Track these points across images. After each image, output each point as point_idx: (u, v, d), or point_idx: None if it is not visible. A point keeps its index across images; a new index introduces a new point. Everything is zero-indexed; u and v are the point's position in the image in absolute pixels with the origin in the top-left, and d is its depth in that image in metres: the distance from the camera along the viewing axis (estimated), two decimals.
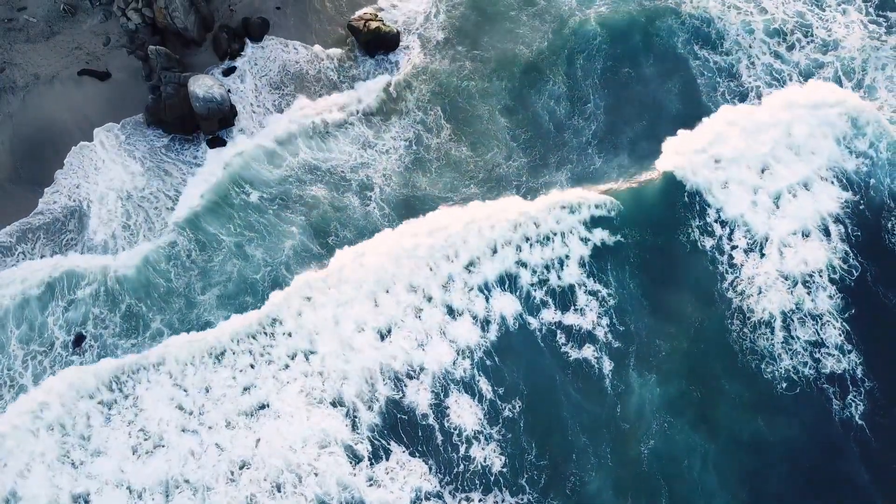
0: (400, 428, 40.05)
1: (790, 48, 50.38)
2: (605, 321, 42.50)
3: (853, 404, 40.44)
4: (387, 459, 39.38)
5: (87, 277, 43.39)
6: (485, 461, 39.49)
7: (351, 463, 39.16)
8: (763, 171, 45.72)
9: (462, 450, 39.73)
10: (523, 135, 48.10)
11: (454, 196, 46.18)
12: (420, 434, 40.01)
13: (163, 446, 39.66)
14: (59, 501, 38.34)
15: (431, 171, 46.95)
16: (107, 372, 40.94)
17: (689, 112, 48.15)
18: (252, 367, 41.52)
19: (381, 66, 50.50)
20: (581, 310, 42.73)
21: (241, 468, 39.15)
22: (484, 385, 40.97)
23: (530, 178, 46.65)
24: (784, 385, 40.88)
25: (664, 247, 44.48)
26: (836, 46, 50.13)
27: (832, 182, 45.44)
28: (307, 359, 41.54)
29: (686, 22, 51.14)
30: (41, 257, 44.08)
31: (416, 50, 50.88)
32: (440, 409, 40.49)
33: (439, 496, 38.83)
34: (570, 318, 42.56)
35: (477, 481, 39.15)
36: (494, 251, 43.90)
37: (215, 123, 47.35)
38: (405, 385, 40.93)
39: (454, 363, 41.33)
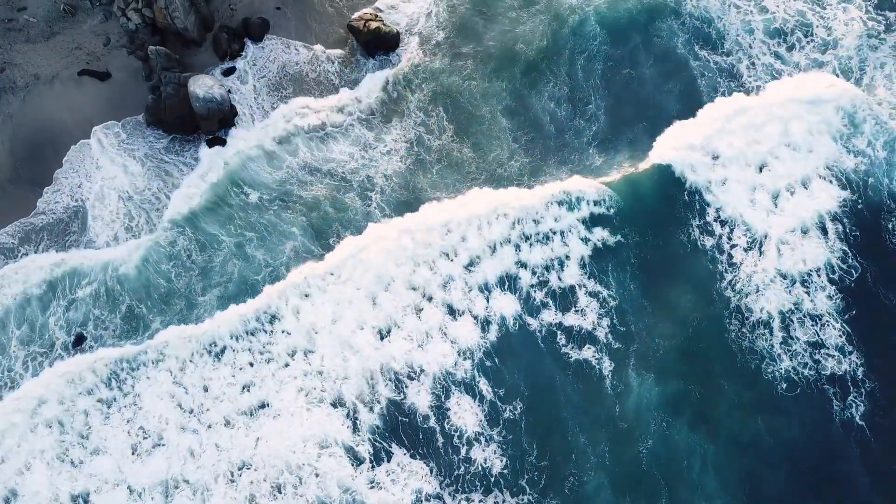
0: (401, 430, 40.07)
1: (790, 48, 50.33)
2: (604, 321, 42.49)
3: (854, 405, 40.45)
4: (388, 461, 39.39)
5: (89, 276, 43.38)
6: (485, 462, 39.51)
7: (352, 465, 39.17)
8: (761, 169, 45.71)
9: (463, 452, 39.74)
10: (525, 136, 48.05)
11: (456, 197, 46.19)
12: (421, 436, 40.01)
13: (162, 445, 39.71)
14: (59, 500, 38.36)
15: (433, 173, 46.91)
16: (103, 363, 41.02)
17: (689, 113, 48.01)
18: (251, 365, 41.52)
19: (381, 66, 50.43)
20: (581, 310, 42.71)
21: (240, 469, 39.17)
22: (484, 386, 40.97)
23: (531, 179, 46.61)
24: (784, 385, 40.89)
25: (662, 241, 44.45)
26: (835, 45, 50.10)
27: (831, 181, 45.46)
28: (307, 357, 41.54)
29: (686, 22, 51.10)
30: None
31: (416, 50, 50.84)
32: (441, 411, 40.49)
33: (440, 498, 38.84)
34: (570, 319, 42.54)
35: (477, 483, 39.18)
36: (494, 250, 43.89)
37: (215, 123, 47.32)
38: (406, 386, 40.93)
39: (455, 364, 41.33)
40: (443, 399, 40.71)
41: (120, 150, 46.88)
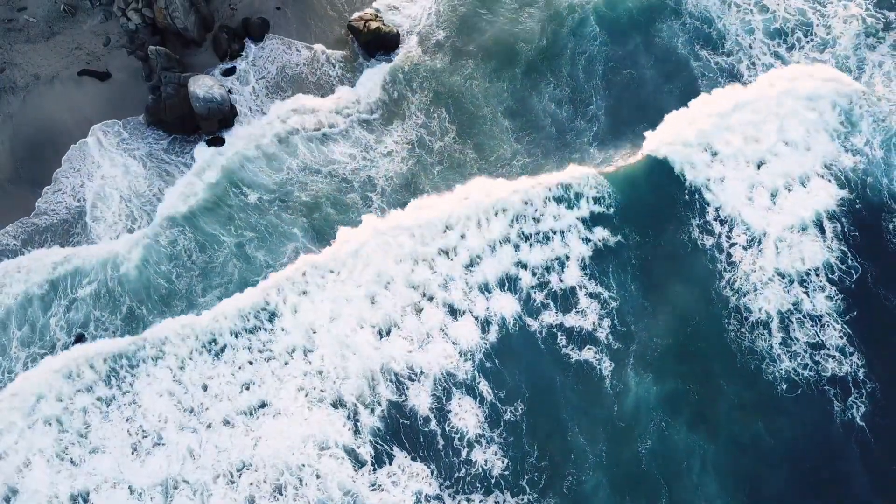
0: (402, 432, 40.03)
1: (790, 48, 50.29)
2: (605, 322, 42.46)
3: (854, 406, 40.45)
4: (389, 464, 39.35)
5: (90, 275, 43.35)
6: (486, 464, 39.50)
7: (353, 467, 39.15)
8: (760, 166, 45.74)
9: (464, 454, 39.71)
10: (526, 136, 48.01)
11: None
12: (422, 439, 39.97)
13: (162, 444, 39.67)
14: (59, 499, 38.37)
15: (434, 174, 46.83)
16: (101, 358, 41.05)
17: None
18: (251, 363, 41.51)
19: (381, 66, 50.33)
20: (582, 311, 42.70)
21: (240, 469, 39.15)
22: (485, 387, 40.96)
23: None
24: (785, 386, 40.89)
25: (661, 240, 44.47)
26: (833, 44, 50.09)
27: (829, 179, 45.47)
28: (306, 356, 41.51)
29: (686, 22, 51.07)
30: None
31: (417, 50, 50.79)
32: (442, 413, 40.47)
33: (440, 499, 38.84)
34: (570, 320, 42.53)
35: (478, 484, 39.18)
36: (494, 249, 43.88)
37: (215, 123, 47.31)
38: (407, 388, 40.91)
39: (455, 365, 41.32)
40: (444, 401, 40.70)
41: (120, 149, 46.87)
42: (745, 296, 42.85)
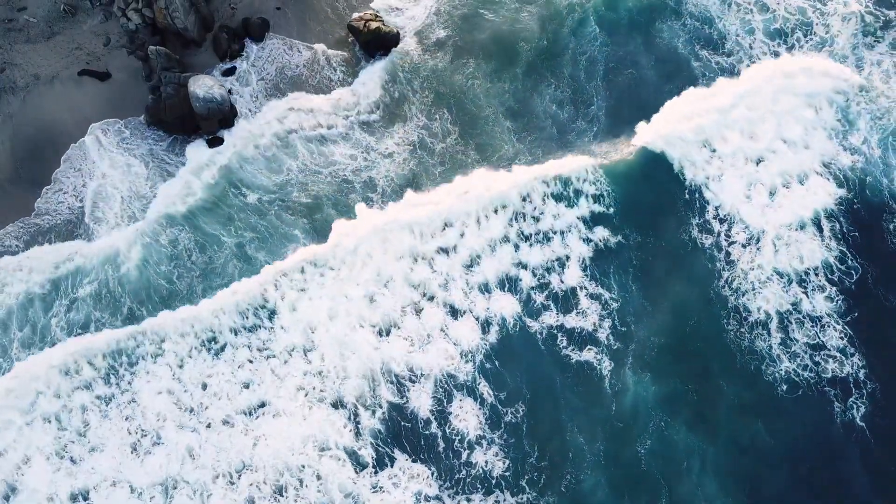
0: (403, 435, 40.05)
1: (790, 49, 50.26)
2: (605, 322, 42.45)
3: (855, 406, 40.48)
4: (391, 466, 39.35)
5: (91, 274, 43.33)
6: (486, 465, 39.51)
7: (354, 468, 39.13)
8: (759, 163, 45.77)
9: (464, 455, 39.71)
10: (528, 136, 47.99)
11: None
12: (423, 441, 39.99)
13: (161, 444, 39.66)
14: (59, 497, 38.38)
15: (437, 175, 46.77)
16: (98, 349, 41.18)
17: None
18: (250, 361, 41.50)
19: (381, 66, 50.22)
20: (582, 311, 42.70)
21: (240, 470, 39.14)
22: (485, 389, 40.96)
23: None
24: (785, 387, 40.91)
25: (660, 239, 44.50)
26: (832, 42, 50.07)
27: (827, 178, 45.50)
28: (305, 356, 41.50)
29: (687, 23, 51.05)
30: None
31: (417, 50, 50.74)
32: (442, 415, 40.47)
33: (440, 499, 38.85)
34: (570, 320, 42.53)
35: (479, 485, 39.20)
36: (494, 249, 43.87)
37: (215, 123, 47.29)
38: (408, 390, 40.90)
39: (456, 366, 41.31)
40: (444, 403, 40.70)
41: (121, 149, 46.85)
42: (743, 295, 42.87)
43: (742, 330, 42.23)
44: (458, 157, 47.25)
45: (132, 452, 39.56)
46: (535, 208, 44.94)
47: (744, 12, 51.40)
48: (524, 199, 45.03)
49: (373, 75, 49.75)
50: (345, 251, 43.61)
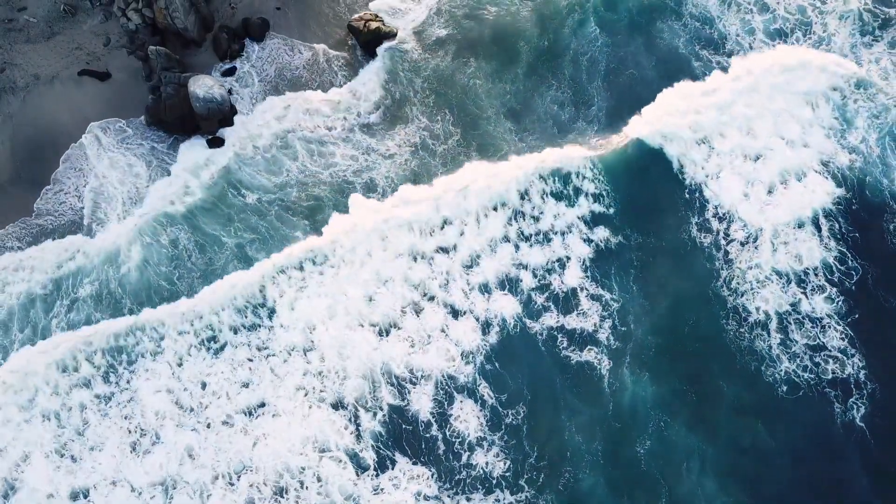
0: (403, 437, 40.06)
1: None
2: (605, 323, 42.46)
3: (855, 407, 40.50)
4: (392, 469, 39.35)
5: (91, 274, 43.32)
6: (486, 466, 39.53)
7: (355, 471, 39.13)
8: (757, 159, 45.75)
9: (465, 457, 39.73)
10: (529, 136, 47.98)
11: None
12: (423, 444, 40.00)
13: (161, 443, 39.67)
14: (59, 494, 38.40)
15: (438, 176, 46.69)
16: (95, 340, 41.33)
17: None
18: (250, 360, 41.48)
19: (381, 66, 50.15)
20: (583, 312, 42.70)
21: (240, 471, 39.13)
22: (485, 390, 40.97)
23: None
24: (785, 388, 40.93)
25: (660, 238, 44.49)
26: (829, 41, 50.04)
27: (826, 177, 45.49)
28: (305, 355, 41.49)
29: (687, 23, 51.01)
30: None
31: (417, 50, 50.70)
32: (443, 417, 40.48)
33: (439, 499, 38.87)
34: (571, 321, 42.53)
35: (479, 485, 39.23)
36: (493, 249, 43.86)
37: (215, 123, 47.28)
38: (408, 392, 40.88)
39: (456, 368, 41.30)
40: (445, 405, 40.70)
41: (120, 149, 46.83)
42: (743, 295, 42.87)
43: (742, 330, 42.24)
44: (460, 158, 47.21)
45: (132, 451, 39.58)
46: (534, 207, 44.94)
47: (744, 12, 51.33)
48: (523, 198, 45.00)
49: (373, 75, 49.72)
50: (343, 249, 43.54)
